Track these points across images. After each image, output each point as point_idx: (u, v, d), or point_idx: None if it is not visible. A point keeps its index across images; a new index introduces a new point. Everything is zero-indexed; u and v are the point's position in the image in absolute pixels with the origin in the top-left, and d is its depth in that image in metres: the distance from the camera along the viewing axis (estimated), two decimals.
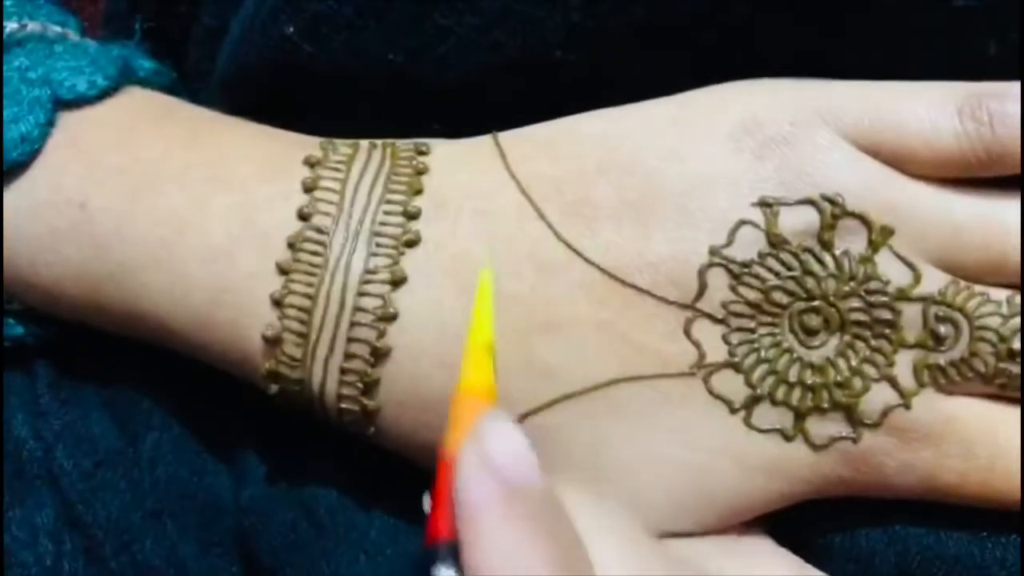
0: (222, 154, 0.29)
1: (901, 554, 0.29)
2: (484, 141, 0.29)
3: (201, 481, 0.33)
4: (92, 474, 0.32)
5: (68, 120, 0.30)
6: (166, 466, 0.33)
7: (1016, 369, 0.26)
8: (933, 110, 0.26)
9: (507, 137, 0.29)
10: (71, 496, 0.32)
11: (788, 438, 0.27)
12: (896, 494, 0.28)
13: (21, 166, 0.29)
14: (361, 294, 0.27)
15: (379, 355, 0.27)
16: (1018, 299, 0.27)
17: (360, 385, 0.27)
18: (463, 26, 0.29)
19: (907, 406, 0.27)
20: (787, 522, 0.29)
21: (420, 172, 0.28)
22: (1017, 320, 0.26)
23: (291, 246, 0.28)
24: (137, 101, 0.31)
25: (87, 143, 0.30)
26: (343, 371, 0.27)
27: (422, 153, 0.29)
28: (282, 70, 0.31)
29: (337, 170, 0.29)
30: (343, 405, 0.28)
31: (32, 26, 0.30)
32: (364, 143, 0.30)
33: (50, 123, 0.29)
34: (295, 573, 0.31)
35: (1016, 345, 0.26)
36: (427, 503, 0.22)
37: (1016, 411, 0.27)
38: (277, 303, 0.27)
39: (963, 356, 0.27)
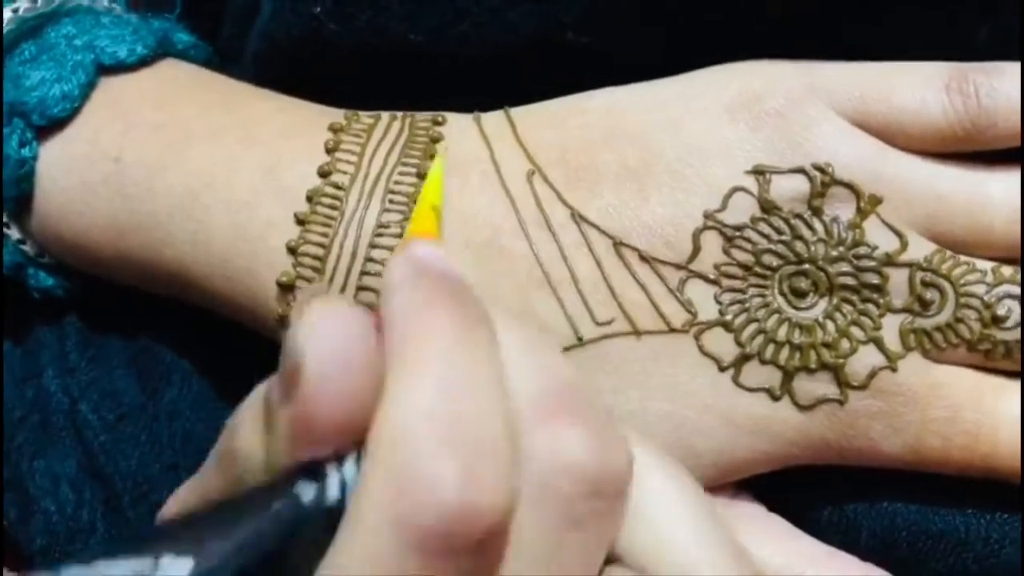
0: (252, 118, 0.31)
1: (887, 529, 0.29)
2: (497, 114, 0.31)
3: (218, 436, 0.34)
4: (114, 427, 0.34)
5: (109, 84, 0.32)
6: (184, 421, 0.34)
7: (1000, 335, 0.27)
8: (922, 85, 0.28)
9: (518, 111, 0.31)
10: (94, 447, 0.34)
11: (775, 398, 0.28)
12: (882, 461, 0.28)
13: (61, 122, 0.31)
14: (373, 246, 0.29)
15: None
16: (1003, 269, 0.27)
17: None
18: (481, 7, 0.31)
19: (893, 368, 0.27)
20: (776, 493, 0.30)
21: (435, 140, 0.30)
22: (1001, 288, 0.27)
23: (309, 199, 0.29)
24: (174, 70, 0.33)
25: (126, 104, 0.32)
26: None
27: (438, 123, 0.31)
28: (309, 47, 0.33)
29: (358, 136, 0.30)
30: None
31: None
32: (385, 114, 0.31)
33: (91, 85, 0.31)
34: None
35: (1000, 312, 0.27)
36: None
37: (1003, 381, 0.28)
38: (292, 251, 0.29)
39: (949, 322, 0.27)
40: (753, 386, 0.28)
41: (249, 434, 0.21)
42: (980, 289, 0.27)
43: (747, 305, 0.28)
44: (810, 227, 0.28)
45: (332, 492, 0.19)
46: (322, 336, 0.19)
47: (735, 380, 0.28)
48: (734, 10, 0.29)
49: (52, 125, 0.31)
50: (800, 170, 0.28)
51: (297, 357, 0.19)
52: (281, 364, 0.20)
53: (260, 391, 0.21)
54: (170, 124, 0.31)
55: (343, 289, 0.29)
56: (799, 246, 0.28)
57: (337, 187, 0.29)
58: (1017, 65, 0.27)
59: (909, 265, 0.27)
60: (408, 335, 0.20)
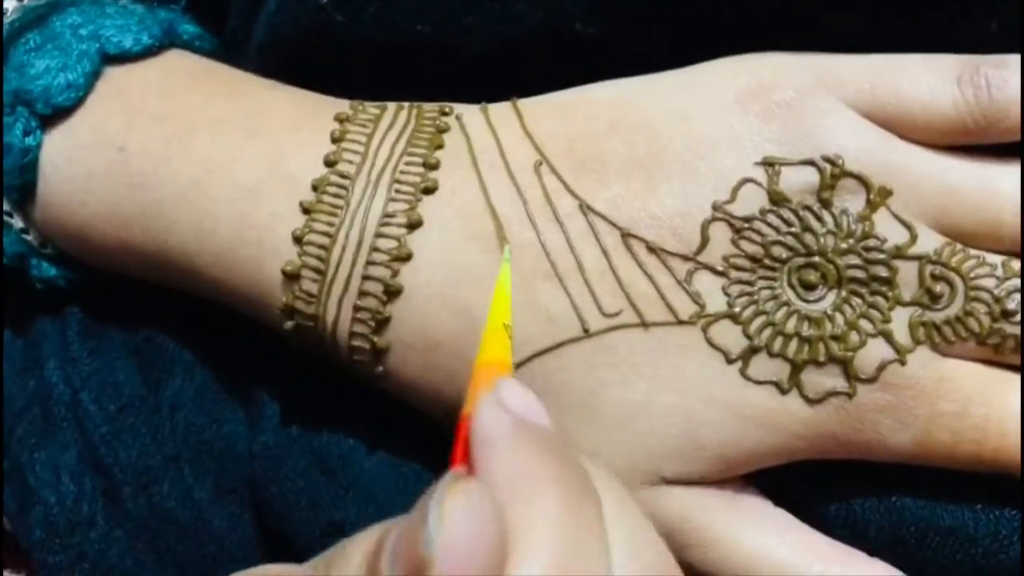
0: (257, 108, 0.31)
1: (896, 524, 0.29)
2: (504, 105, 0.31)
3: (219, 429, 0.34)
4: (115, 418, 0.34)
5: (113, 73, 0.32)
6: (185, 413, 0.34)
7: (1010, 329, 0.27)
8: (933, 78, 0.27)
9: (526, 102, 0.31)
10: (94, 438, 0.34)
11: (783, 391, 0.28)
12: (891, 456, 0.28)
13: (66, 111, 0.31)
14: (378, 235, 0.28)
15: (391, 293, 0.28)
16: (1013, 263, 0.27)
17: (371, 323, 0.29)
18: None
19: (902, 362, 0.27)
20: (784, 488, 0.30)
21: (442, 130, 0.30)
22: (1011, 282, 0.27)
23: (315, 188, 0.29)
24: (179, 60, 0.33)
25: (130, 94, 0.31)
26: (356, 308, 0.29)
27: (445, 114, 0.31)
28: (316, 39, 0.33)
29: (364, 125, 0.30)
30: (354, 343, 0.29)
31: None
32: (392, 104, 0.31)
33: (96, 74, 0.31)
34: (305, 520, 0.32)
35: (1010, 306, 0.27)
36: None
37: (1011, 375, 0.28)
38: (298, 240, 0.29)
39: (958, 315, 0.27)
40: (761, 379, 0.28)
41: None
42: (990, 283, 0.27)
43: (755, 297, 0.28)
44: (819, 219, 0.28)
45: None
46: (457, 530, 0.18)
47: (743, 372, 0.28)
48: (740, 1, 0.29)
49: (56, 114, 0.31)
50: (810, 162, 0.28)
51: (429, 547, 0.18)
52: (404, 540, 0.19)
53: (368, 546, 0.20)
54: (174, 114, 0.31)
55: (348, 279, 0.29)
56: (808, 238, 0.28)
57: (343, 176, 0.29)
58: None
59: (919, 258, 0.27)
60: (517, 515, 0.19)
